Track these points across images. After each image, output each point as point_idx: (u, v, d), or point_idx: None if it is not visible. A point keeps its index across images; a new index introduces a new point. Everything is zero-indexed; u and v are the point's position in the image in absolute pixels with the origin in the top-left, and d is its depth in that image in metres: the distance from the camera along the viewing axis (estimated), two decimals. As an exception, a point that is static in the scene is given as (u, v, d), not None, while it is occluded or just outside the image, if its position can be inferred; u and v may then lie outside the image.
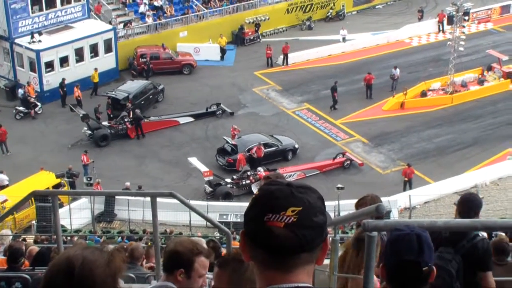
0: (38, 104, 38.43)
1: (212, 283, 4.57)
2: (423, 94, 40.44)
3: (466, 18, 41.50)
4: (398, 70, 41.26)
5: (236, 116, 38.73)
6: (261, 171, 32.31)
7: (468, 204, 5.92)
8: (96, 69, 40.24)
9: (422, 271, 3.41)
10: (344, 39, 47.38)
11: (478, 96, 40.59)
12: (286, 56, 44.69)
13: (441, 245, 5.45)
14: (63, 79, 38.81)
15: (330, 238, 5.57)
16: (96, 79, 40.31)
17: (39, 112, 38.35)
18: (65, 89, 38.86)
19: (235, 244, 15.35)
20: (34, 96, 38.58)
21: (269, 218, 2.09)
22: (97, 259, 2.37)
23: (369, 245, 3.84)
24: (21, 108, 38.30)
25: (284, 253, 2.10)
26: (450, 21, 41.46)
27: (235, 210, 29.20)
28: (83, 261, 2.34)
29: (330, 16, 51.64)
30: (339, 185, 29.05)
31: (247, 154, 33.74)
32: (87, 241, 17.83)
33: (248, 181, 32.24)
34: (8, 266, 9.47)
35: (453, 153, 35.18)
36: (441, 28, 48.67)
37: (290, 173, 32.90)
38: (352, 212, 5.56)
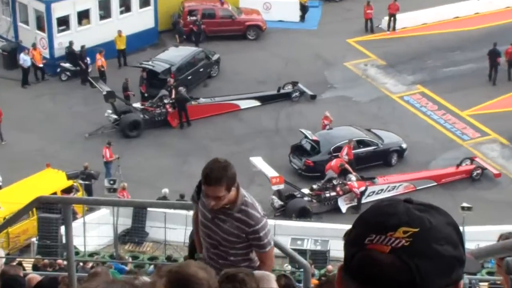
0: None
1: None
2: None
3: None
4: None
5: (320, 100, 38.78)
6: (353, 180, 32.08)
7: None
8: (119, 32, 40.67)
9: None
10: (477, -4, 46.89)
11: None
12: (393, 18, 44.49)
13: None
14: (83, 47, 39.29)
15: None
16: (121, 46, 40.77)
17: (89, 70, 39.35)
18: (85, 60, 39.34)
19: (314, 282, 15.29)
20: (41, 65, 39.36)
21: (371, 240, 2.09)
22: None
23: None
24: (66, 65, 39.34)
25: None
26: None
27: (314, 233, 29.13)
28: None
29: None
30: (464, 204, 28.64)
31: (344, 161, 32.82)
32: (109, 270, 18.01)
33: (333, 193, 32.09)
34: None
35: None
36: None
37: (394, 183, 32.65)
38: (488, 245, 5.43)
